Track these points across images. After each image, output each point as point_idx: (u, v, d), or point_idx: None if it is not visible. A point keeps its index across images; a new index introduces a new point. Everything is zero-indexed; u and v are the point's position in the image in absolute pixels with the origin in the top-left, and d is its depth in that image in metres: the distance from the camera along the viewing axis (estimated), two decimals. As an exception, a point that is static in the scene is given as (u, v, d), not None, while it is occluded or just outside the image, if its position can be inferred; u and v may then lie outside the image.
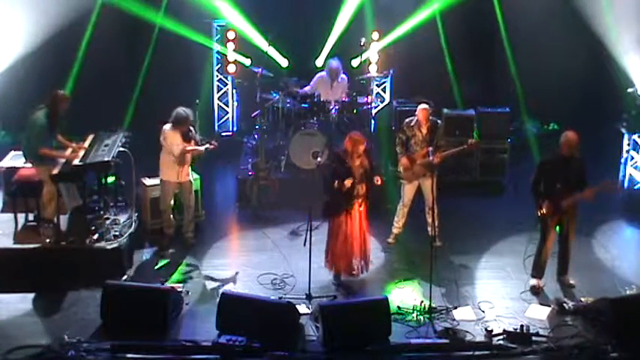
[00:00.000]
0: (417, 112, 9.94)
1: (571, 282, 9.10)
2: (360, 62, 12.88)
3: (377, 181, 9.27)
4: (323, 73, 12.31)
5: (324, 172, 9.49)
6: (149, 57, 13.14)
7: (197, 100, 10.94)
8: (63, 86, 9.79)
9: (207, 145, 9.92)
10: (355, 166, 8.95)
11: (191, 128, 9.87)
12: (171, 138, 9.69)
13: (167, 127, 9.72)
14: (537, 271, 9.09)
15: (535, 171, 9.01)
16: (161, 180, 9.94)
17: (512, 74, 13.23)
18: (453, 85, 13.41)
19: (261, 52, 12.36)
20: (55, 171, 9.30)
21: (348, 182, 8.86)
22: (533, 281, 9.08)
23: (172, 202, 10.04)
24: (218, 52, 13.61)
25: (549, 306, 8.71)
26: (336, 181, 8.87)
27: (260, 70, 12.22)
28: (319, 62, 13.12)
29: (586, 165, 8.91)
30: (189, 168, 9.99)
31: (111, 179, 10.14)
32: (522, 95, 13.15)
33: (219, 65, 13.69)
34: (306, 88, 12.22)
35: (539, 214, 8.89)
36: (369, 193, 9.12)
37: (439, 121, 10.17)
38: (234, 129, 13.97)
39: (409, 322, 8.38)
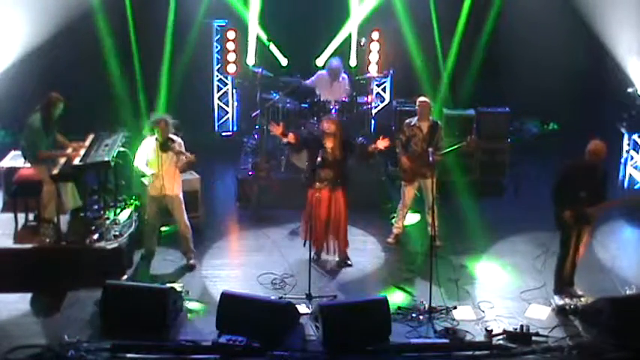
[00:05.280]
0: (417, 105, 9.98)
1: (579, 293, 8.79)
2: (358, 57, 12.86)
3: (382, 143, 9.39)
4: (324, 72, 12.31)
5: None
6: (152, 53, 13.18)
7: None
8: (61, 87, 9.75)
9: (182, 157, 9.17)
10: (326, 146, 9.14)
11: (175, 139, 9.16)
12: (143, 146, 9.24)
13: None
14: (564, 287, 8.67)
15: (558, 176, 8.61)
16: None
17: (512, 74, 13.23)
18: (453, 85, 13.40)
19: (263, 45, 12.30)
20: (55, 171, 9.31)
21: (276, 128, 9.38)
22: (559, 300, 8.64)
23: (155, 218, 9.54)
24: (218, 52, 13.61)
25: (549, 306, 8.72)
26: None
27: (260, 70, 12.21)
28: (319, 62, 13.11)
29: (609, 176, 8.69)
30: (175, 182, 9.34)
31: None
32: (522, 95, 13.12)
33: (219, 65, 13.69)
34: (307, 82, 12.23)
35: (559, 222, 8.57)
36: (339, 180, 9.27)
37: (439, 122, 10.19)
38: (234, 129, 13.97)
39: (409, 322, 8.38)
